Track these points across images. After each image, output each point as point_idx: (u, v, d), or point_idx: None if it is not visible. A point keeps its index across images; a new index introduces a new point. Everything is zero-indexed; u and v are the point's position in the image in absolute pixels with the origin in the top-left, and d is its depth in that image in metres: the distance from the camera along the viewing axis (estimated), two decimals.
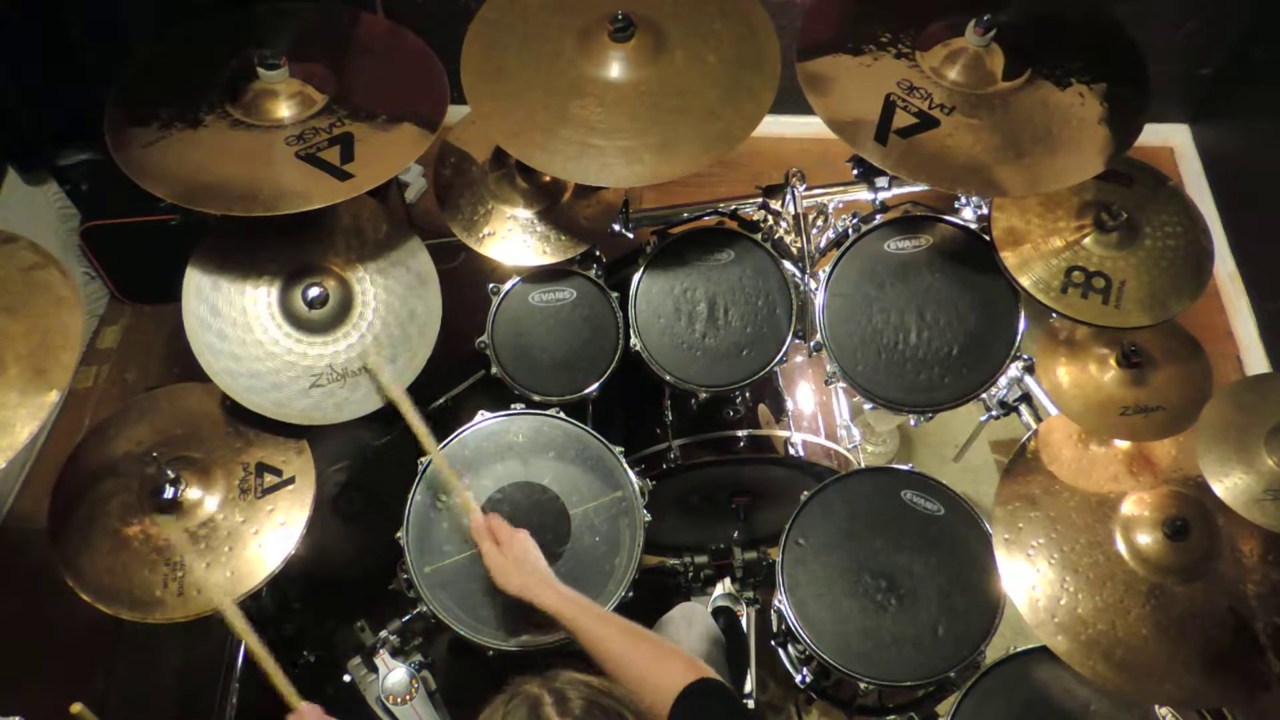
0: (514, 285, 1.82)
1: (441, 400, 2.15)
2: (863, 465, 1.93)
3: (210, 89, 1.57)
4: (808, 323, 1.83)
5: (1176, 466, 1.58)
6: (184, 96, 1.55)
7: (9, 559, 2.30)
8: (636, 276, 1.81)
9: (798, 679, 1.71)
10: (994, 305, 1.72)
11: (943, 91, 1.54)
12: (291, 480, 1.58)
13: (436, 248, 1.76)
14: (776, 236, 1.89)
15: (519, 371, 1.81)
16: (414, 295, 1.70)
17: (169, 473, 1.50)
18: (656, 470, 1.86)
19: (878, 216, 1.80)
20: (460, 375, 2.19)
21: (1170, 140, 3.05)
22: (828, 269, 1.76)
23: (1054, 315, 1.63)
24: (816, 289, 1.77)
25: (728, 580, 1.99)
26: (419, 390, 1.67)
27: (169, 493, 1.50)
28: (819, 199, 1.95)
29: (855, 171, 1.88)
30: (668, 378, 1.79)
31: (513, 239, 1.78)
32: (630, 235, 1.89)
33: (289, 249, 1.65)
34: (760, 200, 1.96)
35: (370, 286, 1.68)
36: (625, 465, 1.68)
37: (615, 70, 1.58)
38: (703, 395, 1.81)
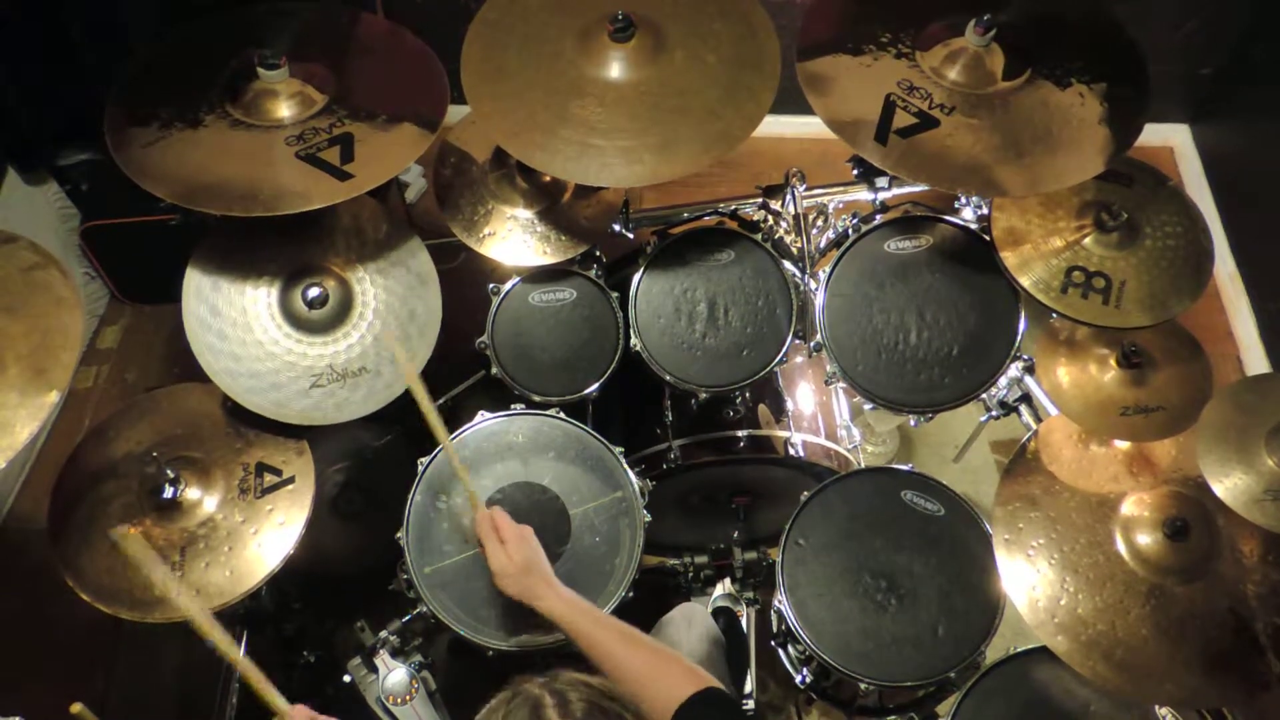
0: (514, 285, 1.82)
1: (441, 400, 2.15)
2: (863, 465, 1.93)
3: (210, 89, 1.57)
4: (808, 323, 1.83)
5: (1176, 467, 1.58)
6: (184, 96, 1.55)
7: (9, 559, 2.30)
8: (637, 276, 1.81)
9: (798, 679, 1.71)
10: (994, 305, 1.72)
11: (943, 91, 1.54)
12: (291, 480, 1.58)
13: (436, 248, 1.76)
14: (777, 236, 1.89)
15: (519, 372, 1.81)
16: (414, 295, 1.70)
17: (169, 473, 1.50)
18: (656, 470, 1.86)
19: (878, 216, 1.80)
20: (460, 375, 2.19)
21: (1170, 140, 3.05)
22: (828, 269, 1.76)
23: (1054, 315, 1.63)
24: (816, 289, 1.77)
25: (728, 580, 1.99)
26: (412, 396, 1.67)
27: (169, 493, 1.50)
28: (819, 199, 1.95)
29: (855, 171, 1.88)
30: (668, 378, 1.79)
31: (513, 239, 1.78)
32: (630, 235, 1.89)
33: (289, 249, 1.65)
34: (760, 200, 1.96)
35: (370, 287, 1.68)
36: (625, 465, 1.68)
37: (615, 70, 1.58)
38: (703, 395, 1.81)
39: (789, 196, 1.90)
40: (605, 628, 1.32)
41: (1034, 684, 1.53)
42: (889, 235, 1.76)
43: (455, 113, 1.64)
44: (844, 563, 1.64)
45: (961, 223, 1.75)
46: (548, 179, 1.78)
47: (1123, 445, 1.62)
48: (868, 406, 1.88)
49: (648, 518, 1.64)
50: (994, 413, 1.87)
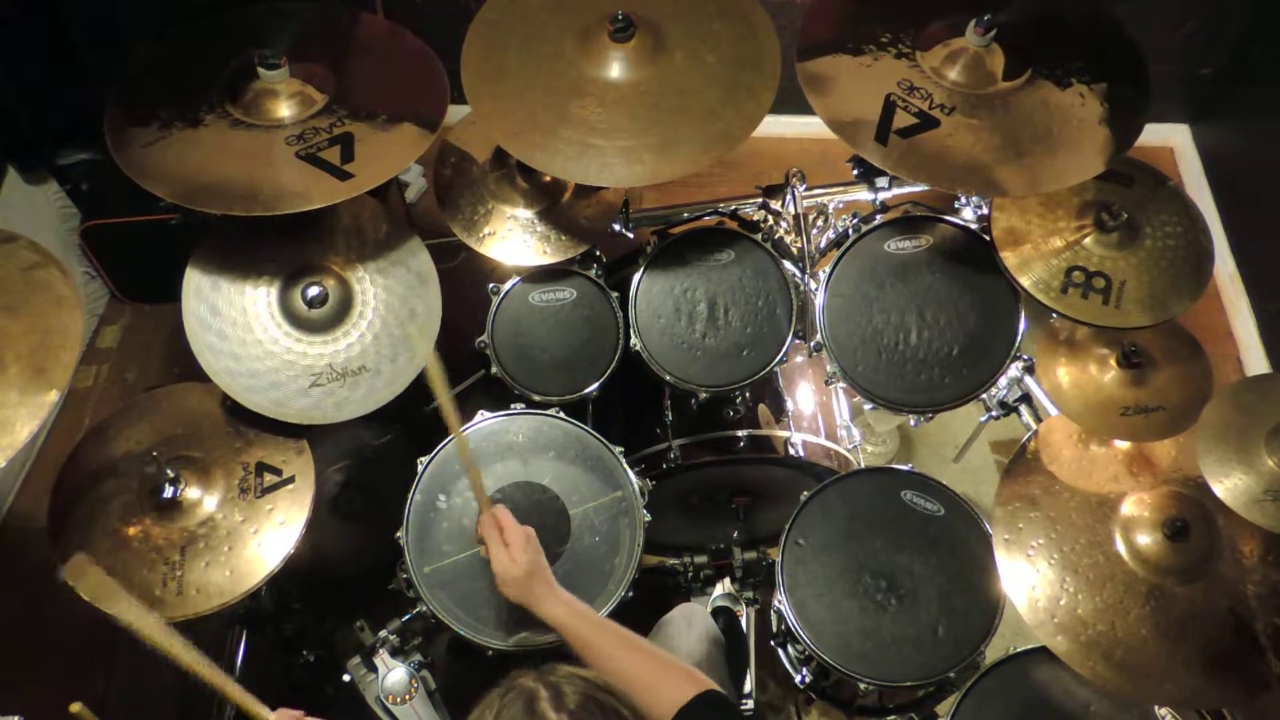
0: (514, 285, 1.82)
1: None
2: (863, 465, 1.93)
3: (210, 89, 1.57)
4: (808, 323, 1.83)
5: (1176, 467, 1.58)
6: (184, 96, 1.55)
7: (9, 558, 2.30)
8: (637, 276, 1.81)
9: (797, 679, 1.71)
10: (994, 305, 1.72)
11: (943, 91, 1.54)
12: (291, 480, 1.58)
13: (436, 247, 1.76)
14: (777, 236, 1.89)
15: (519, 371, 1.81)
16: (414, 295, 1.70)
17: (169, 472, 1.50)
18: (656, 470, 1.86)
19: (878, 216, 1.80)
20: (460, 375, 2.18)
21: (1170, 140, 3.05)
22: (828, 269, 1.76)
23: (1054, 315, 1.63)
24: (817, 289, 1.77)
25: (727, 580, 1.99)
26: (419, 390, 1.67)
27: (169, 492, 1.50)
28: (819, 199, 1.95)
29: (855, 172, 1.88)
30: (668, 378, 1.79)
31: (513, 239, 1.78)
32: (630, 235, 1.89)
33: (289, 249, 1.65)
34: (760, 200, 1.96)
35: (370, 286, 1.68)
36: (625, 465, 1.68)
37: (615, 70, 1.58)
38: (703, 395, 1.81)
39: (789, 196, 1.90)
40: (604, 632, 1.32)
41: (1034, 684, 1.53)
42: (889, 235, 1.76)
43: (455, 112, 1.64)
44: (844, 563, 1.64)
45: (962, 223, 1.75)
46: (548, 179, 1.78)
47: (1123, 445, 1.62)
48: (868, 406, 1.88)
49: (647, 517, 1.64)
50: (994, 413, 1.87)
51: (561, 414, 1.72)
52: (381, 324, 1.66)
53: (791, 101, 1.58)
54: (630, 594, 1.59)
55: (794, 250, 1.88)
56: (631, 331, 1.79)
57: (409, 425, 2.07)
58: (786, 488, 1.89)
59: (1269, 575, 1.48)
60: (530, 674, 1.03)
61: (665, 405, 1.94)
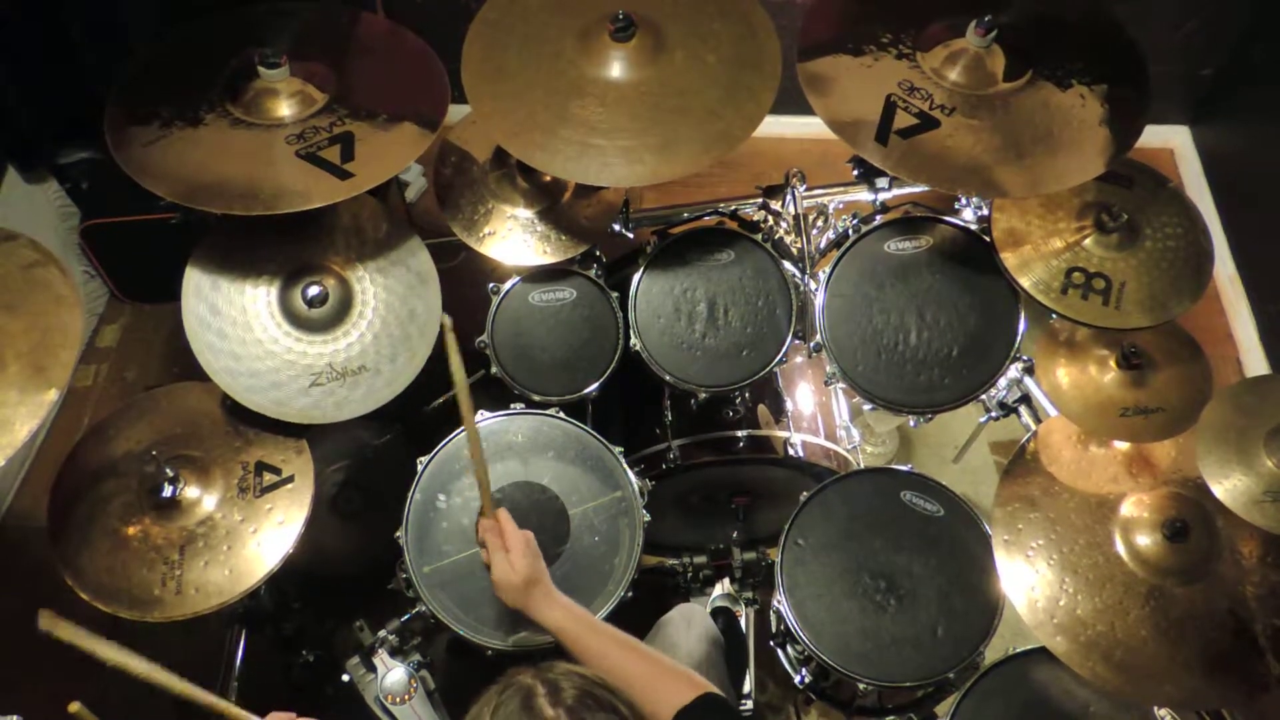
0: (514, 285, 1.82)
1: (440, 400, 2.14)
2: (862, 466, 1.93)
3: (211, 88, 1.57)
4: (808, 323, 1.83)
5: (1176, 468, 1.58)
6: (184, 95, 1.55)
7: (8, 558, 2.30)
8: (636, 276, 1.81)
9: (797, 679, 1.71)
10: (994, 306, 1.72)
11: (943, 92, 1.54)
12: (290, 479, 1.58)
13: (436, 247, 1.76)
14: (777, 237, 1.89)
15: (519, 371, 1.81)
16: (414, 294, 1.70)
17: (168, 471, 1.50)
18: (656, 470, 1.86)
19: (878, 217, 1.80)
20: None
21: (1170, 141, 3.05)
22: (828, 269, 1.76)
23: (1054, 316, 1.63)
24: (816, 289, 1.77)
25: (727, 580, 1.99)
26: (419, 390, 1.67)
27: (168, 491, 1.50)
28: (819, 199, 1.95)
29: (855, 172, 1.88)
30: (667, 378, 1.79)
31: (513, 238, 1.78)
32: (630, 235, 1.89)
33: (289, 248, 1.64)
34: (760, 200, 1.96)
35: (370, 285, 1.68)
36: (625, 465, 1.68)
37: (616, 70, 1.58)
38: (702, 395, 1.81)
39: (789, 197, 1.90)
40: (603, 636, 1.32)
41: (1033, 685, 1.53)
42: (889, 236, 1.76)
43: (456, 112, 1.64)
44: (843, 563, 1.64)
45: (962, 223, 1.75)
46: (548, 178, 1.78)
47: (1122, 446, 1.62)
48: (867, 407, 1.88)
49: (647, 518, 1.64)
50: (993, 413, 1.87)
51: (561, 414, 1.72)
52: (381, 324, 1.66)
53: (792, 102, 1.58)
54: (630, 594, 1.59)
55: (794, 250, 1.88)
56: (631, 331, 1.79)
57: (409, 425, 2.07)
58: (786, 488, 1.89)
59: (1268, 576, 1.48)
60: (528, 670, 1.03)
61: (665, 405, 1.94)
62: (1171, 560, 1.49)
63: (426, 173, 2.91)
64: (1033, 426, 1.74)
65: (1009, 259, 1.65)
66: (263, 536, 1.53)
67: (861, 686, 1.56)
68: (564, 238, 1.78)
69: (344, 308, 1.65)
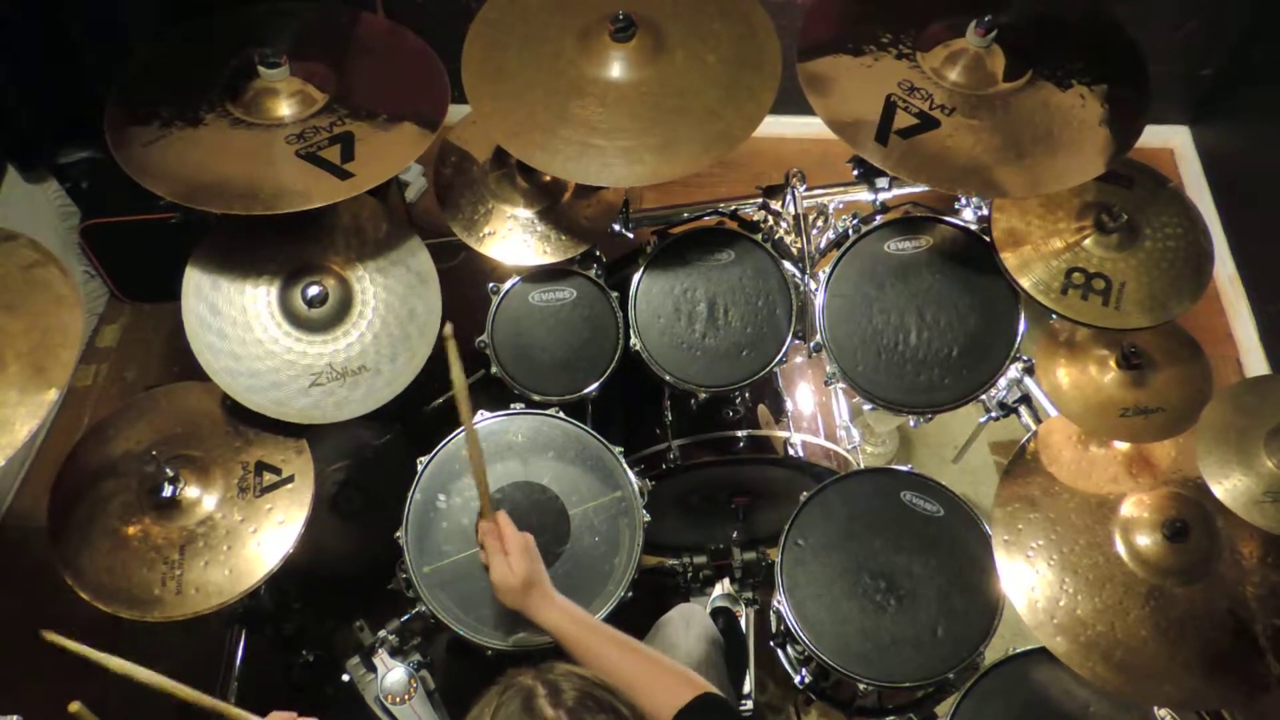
0: (514, 285, 1.82)
1: (440, 400, 2.15)
2: (862, 466, 1.93)
3: (211, 88, 1.57)
4: (807, 323, 1.83)
5: (1176, 468, 1.58)
6: (184, 95, 1.55)
7: (8, 557, 2.30)
8: (636, 276, 1.81)
9: (797, 680, 1.71)
10: (994, 306, 1.72)
11: (943, 92, 1.54)
12: (290, 479, 1.58)
13: (436, 247, 1.76)
14: (777, 237, 1.89)
15: (519, 371, 1.81)
16: (414, 294, 1.70)
17: (168, 471, 1.50)
18: (656, 470, 1.86)
19: (878, 217, 1.80)
20: None
21: (1170, 141, 3.05)
22: (828, 269, 1.76)
23: (1054, 316, 1.63)
24: (816, 289, 1.77)
25: (727, 581, 1.99)
26: (419, 390, 1.67)
27: (168, 491, 1.50)
28: (819, 199, 1.95)
29: (855, 172, 1.88)
30: (667, 378, 1.79)
31: (513, 238, 1.78)
32: (630, 235, 1.89)
33: (289, 248, 1.65)
34: (760, 200, 1.96)
35: (370, 285, 1.68)
36: (625, 465, 1.68)
37: (616, 70, 1.58)
38: (702, 395, 1.81)
39: (789, 197, 1.90)
40: (602, 637, 1.32)
41: (1033, 685, 1.53)
42: (889, 236, 1.76)
43: (456, 112, 1.64)
44: (843, 563, 1.64)
45: (962, 224, 1.75)
46: (548, 178, 1.78)
47: (1122, 446, 1.62)
48: (867, 407, 1.88)
49: (647, 518, 1.64)
50: (993, 414, 1.87)
51: (561, 414, 1.72)
52: (381, 324, 1.66)
53: (792, 102, 1.58)
54: (630, 594, 1.59)
55: (794, 250, 1.88)
56: (631, 331, 1.79)
57: (409, 425, 2.07)
58: (786, 488, 1.89)
59: (1268, 576, 1.48)
60: (528, 672, 1.03)
61: (665, 405, 1.94)
62: (1171, 560, 1.49)
63: (426, 173, 2.91)
64: (1033, 427, 1.74)
65: (1009, 259, 1.65)
66: (263, 536, 1.53)
67: (861, 687, 1.56)
68: (564, 238, 1.78)
69: (344, 308, 1.65)
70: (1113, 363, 1.62)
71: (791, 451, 1.90)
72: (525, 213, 1.79)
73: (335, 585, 2.00)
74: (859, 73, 1.57)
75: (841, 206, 1.93)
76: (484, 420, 1.69)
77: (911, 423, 1.79)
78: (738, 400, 1.93)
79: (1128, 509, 1.55)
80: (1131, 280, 1.60)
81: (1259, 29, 2.68)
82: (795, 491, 1.72)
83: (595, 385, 1.80)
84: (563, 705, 0.99)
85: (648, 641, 1.61)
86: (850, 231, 1.80)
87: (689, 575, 2.00)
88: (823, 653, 1.57)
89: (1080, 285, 1.60)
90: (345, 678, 1.57)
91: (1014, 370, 1.77)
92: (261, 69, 1.54)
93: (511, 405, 1.72)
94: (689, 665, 1.38)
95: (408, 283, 1.70)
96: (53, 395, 1.25)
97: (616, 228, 1.86)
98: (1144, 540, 1.51)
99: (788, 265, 1.83)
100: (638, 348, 1.78)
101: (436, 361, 1.69)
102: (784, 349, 1.79)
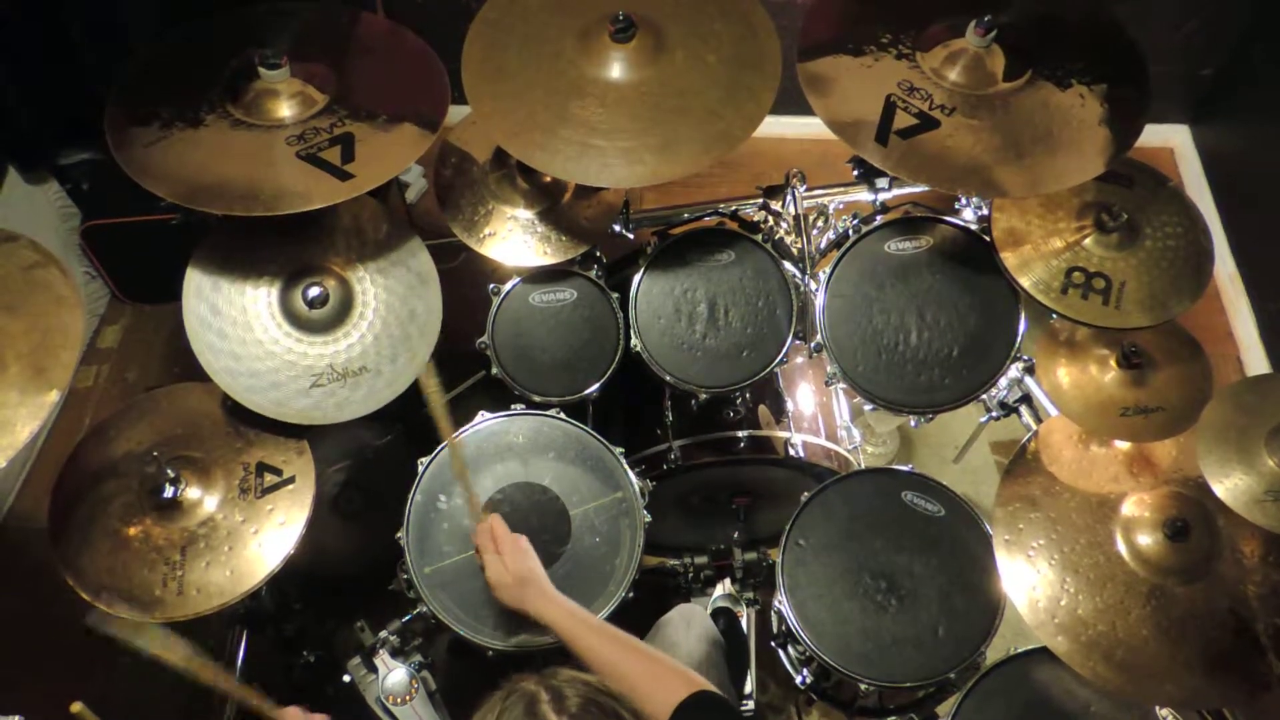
0: (514, 285, 1.82)
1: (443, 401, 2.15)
2: (863, 466, 1.93)
3: (211, 89, 1.57)
4: (808, 323, 1.83)
5: (1177, 467, 1.58)
6: (185, 96, 1.55)
7: (9, 558, 2.30)
8: (637, 277, 1.81)
9: (798, 680, 1.71)
10: (994, 306, 1.72)
11: (943, 92, 1.54)
12: (291, 480, 1.58)
13: (437, 248, 1.76)
14: (777, 237, 1.89)
15: (519, 372, 1.81)
16: (414, 295, 1.70)
17: (169, 472, 1.50)
18: (657, 471, 1.86)
19: (878, 217, 1.80)
20: (460, 376, 2.19)
21: (1170, 141, 3.05)
22: (828, 270, 1.76)
23: (1054, 316, 1.63)
24: (817, 290, 1.77)
25: (728, 581, 1.99)
26: (419, 390, 1.67)
27: (169, 492, 1.50)
28: (819, 200, 1.95)
29: (855, 172, 1.88)
30: (668, 378, 1.79)
31: (513, 239, 1.78)
32: (631, 236, 1.89)
33: (289, 249, 1.65)
34: (761, 201, 1.96)
35: (370, 286, 1.68)
36: (625, 466, 1.68)
37: (616, 71, 1.58)
38: (703, 396, 1.81)
39: (789, 197, 1.90)
40: (601, 634, 1.33)
41: (1034, 685, 1.53)
42: (889, 236, 1.76)
43: (456, 113, 1.64)
44: (844, 563, 1.64)
45: (962, 223, 1.75)
46: (548, 179, 1.78)
47: (1123, 446, 1.62)
48: (868, 407, 1.88)
49: (648, 518, 1.64)
50: (994, 413, 1.87)
51: (562, 415, 1.72)
52: (382, 324, 1.66)
53: (792, 102, 1.58)
54: (631, 595, 1.59)
55: (794, 251, 1.88)
56: (632, 332, 1.79)
57: (409, 425, 2.07)
58: (787, 488, 1.89)
59: (1270, 575, 1.48)
60: (532, 677, 1.03)
61: (665, 406, 1.94)
62: (1172, 560, 1.49)
63: (427, 173, 2.91)
64: (1033, 426, 1.74)
65: (1009, 259, 1.65)
66: (264, 537, 1.53)
67: (863, 687, 1.56)
68: (564, 238, 1.78)
69: (344, 308, 1.65)
70: (1113, 362, 1.62)
71: (792, 452, 1.90)
72: (525, 213, 1.79)
73: (336, 586, 2.00)
74: (859, 73, 1.57)
75: (842, 207, 1.93)
76: (485, 421, 1.70)
77: (912, 423, 1.80)
78: (738, 401, 1.93)
79: (1129, 508, 1.55)
80: (1132, 279, 1.60)
81: (1259, 29, 2.68)
82: (796, 492, 1.72)
83: (596, 386, 1.80)
84: (566, 711, 0.99)
85: (648, 642, 1.61)
86: (850, 232, 1.80)
87: (690, 576, 2.00)
88: (824, 653, 1.57)
89: (1080, 285, 1.60)
90: (346, 678, 1.57)
91: (1014, 370, 1.77)
92: (262, 70, 1.54)
93: (512, 406, 1.72)
94: (689, 666, 1.38)
95: (408, 283, 1.70)
96: (54, 396, 1.25)
97: (617, 228, 1.86)
98: (1145, 539, 1.51)
99: (788, 265, 1.83)
100: (638, 348, 1.78)
101: (437, 362, 1.69)
102: (784, 349, 1.79)
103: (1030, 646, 1.54)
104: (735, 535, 2.02)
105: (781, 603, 1.63)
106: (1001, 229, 1.67)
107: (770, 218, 1.94)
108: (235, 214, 1.45)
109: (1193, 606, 1.47)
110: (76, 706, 1.17)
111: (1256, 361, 2.62)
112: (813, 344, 1.80)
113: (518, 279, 1.82)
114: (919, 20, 1.61)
